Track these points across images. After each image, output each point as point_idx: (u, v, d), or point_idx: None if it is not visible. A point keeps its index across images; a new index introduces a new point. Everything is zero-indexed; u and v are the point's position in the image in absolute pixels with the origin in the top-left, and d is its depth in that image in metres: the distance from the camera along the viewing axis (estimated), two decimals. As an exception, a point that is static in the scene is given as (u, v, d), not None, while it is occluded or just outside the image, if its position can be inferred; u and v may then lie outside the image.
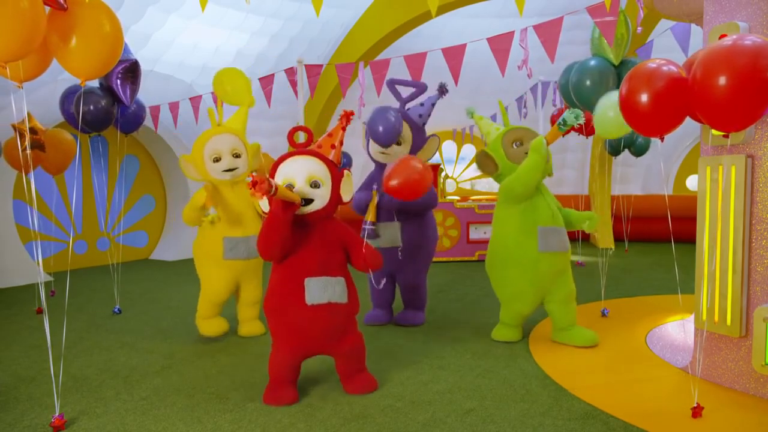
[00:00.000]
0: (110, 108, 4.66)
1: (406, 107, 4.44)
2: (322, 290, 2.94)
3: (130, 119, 5.06)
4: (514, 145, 3.93)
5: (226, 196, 4.15)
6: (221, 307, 4.32)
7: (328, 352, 3.11)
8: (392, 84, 4.46)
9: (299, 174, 2.96)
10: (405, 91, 4.45)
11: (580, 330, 3.85)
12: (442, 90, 4.31)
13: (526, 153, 3.80)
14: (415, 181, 3.07)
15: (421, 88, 4.40)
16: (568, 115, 3.44)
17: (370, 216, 4.16)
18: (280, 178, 2.98)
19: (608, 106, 3.60)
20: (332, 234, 3.08)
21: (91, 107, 4.58)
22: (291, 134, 3.46)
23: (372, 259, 3.10)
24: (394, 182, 3.07)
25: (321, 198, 2.99)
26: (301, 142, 3.36)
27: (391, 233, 4.29)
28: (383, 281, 4.36)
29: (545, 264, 3.74)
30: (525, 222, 3.77)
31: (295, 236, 2.96)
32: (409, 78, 4.91)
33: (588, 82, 4.19)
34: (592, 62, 4.22)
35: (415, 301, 4.60)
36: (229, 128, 4.21)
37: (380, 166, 4.37)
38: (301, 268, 2.96)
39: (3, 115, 5.89)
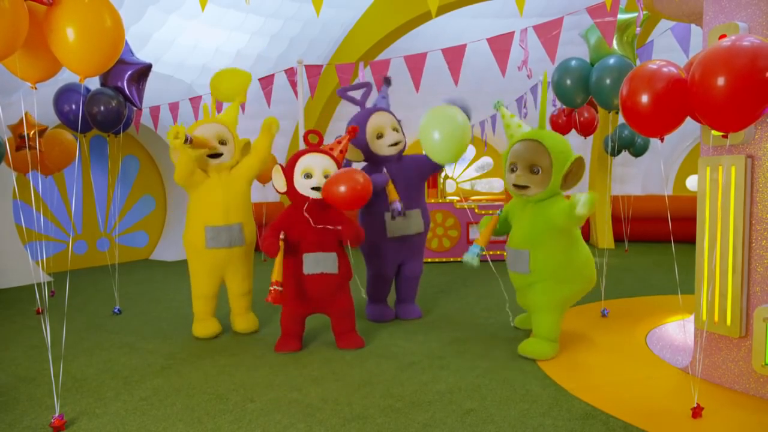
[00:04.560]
0: (121, 108, 4.66)
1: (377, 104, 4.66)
2: (315, 264, 3.73)
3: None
4: (509, 169, 3.70)
5: (209, 182, 4.17)
6: (212, 302, 4.32)
7: (324, 311, 3.94)
8: (343, 93, 4.67)
9: (317, 167, 3.76)
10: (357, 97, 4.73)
11: (532, 341, 3.69)
12: (387, 81, 4.70)
13: (513, 185, 3.65)
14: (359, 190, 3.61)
15: (369, 87, 4.70)
16: (469, 258, 3.77)
17: (394, 195, 4.36)
18: (302, 167, 3.76)
19: (431, 125, 3.93)
20: (331, 220, 3.80)
21: (102, 108, 4.59)
22: (306, 136, 3.96)
23: (354, 233, 3.78)
24: (341, 189, 3.56)
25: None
26: (315, 143, 3.95)
27: (415, 220, 4.49)
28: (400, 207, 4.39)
29: (511, 278, 3.89)
30: None
31: (300, 222, 3.75)
32: (408, 78, 4.97)
33: (608, 81, 4.27)
34: (612, 61, 4.27)
35: (412, 292, 4.77)
36: (218, 119, 4.28)
37: (377, 165, 4.50)
38: (301, 246, 3.76)
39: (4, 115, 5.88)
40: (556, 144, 3.54)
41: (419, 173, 4.57)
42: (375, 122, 4.37)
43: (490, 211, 7.68)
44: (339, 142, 4.00)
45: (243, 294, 4.36)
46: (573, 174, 3.55)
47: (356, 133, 4.02)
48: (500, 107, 3.94)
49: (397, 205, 4.29)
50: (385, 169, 4.42)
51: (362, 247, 4.63)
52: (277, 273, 3.58)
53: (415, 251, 4.66)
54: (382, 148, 4.41)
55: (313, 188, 3.74)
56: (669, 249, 8.36)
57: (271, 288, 3.53)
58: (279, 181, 3.82)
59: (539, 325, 3.70)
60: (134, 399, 3.10)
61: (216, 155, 4.16)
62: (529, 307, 3.85)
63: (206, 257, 4.16)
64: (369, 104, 4.68)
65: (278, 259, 3.62)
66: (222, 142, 4.17)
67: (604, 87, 4.31)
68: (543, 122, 3.71)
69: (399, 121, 4.54)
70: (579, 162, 3.53)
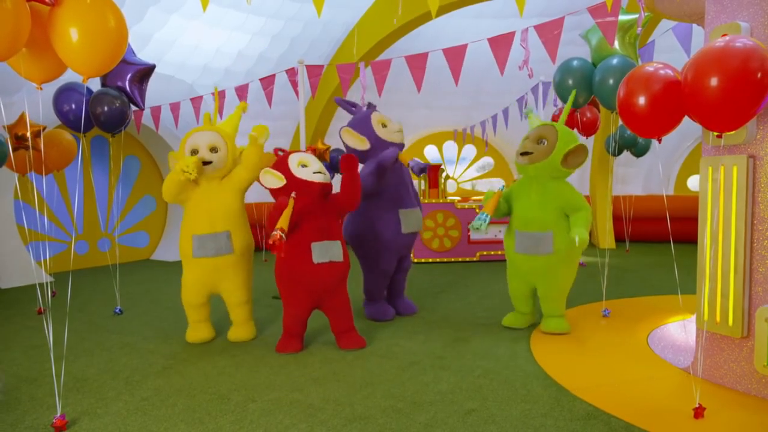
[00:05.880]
0: (125, 109, 4.65)
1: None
2: (324, 252, 3.75)
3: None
4: (522, 143, 4.13)
5: (199, 190, 4.07)
6: (202, 310, 4.21)
7: (324, 306, 3.91)
8: (342, 102, 4.97)
9: (310, 159, 3.91)
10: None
11: (553, 319, 4.15)
12: (371, 106, 4.93)
13: (520, 154, 4.09)
14: None
15: (359, 107, 4.99)
16: (477, 224, 3.97)
17: (409, 157, 4.61)
18: (296, 159, 3.85)
19: None
20: (331, 207, 3.91)
21: (106, 108, 4.58)
22: (276, 151, 4.13)
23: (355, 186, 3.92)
24: None
25: (326, 175, 3.88)
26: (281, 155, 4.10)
27: (417, 219, 4.71)
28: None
29: (522, 263, 4.16)
30: (510, 225, 4.27)
31: (306, 209, 3.74)
32: (409, 78, 5.01)
33: (611, 81, 4.30)
34: (615, 61, 4.29)
35: (403, 285, 4.96)
36: (213, 127, 4.18)
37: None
38: (307, 235, 3.75)
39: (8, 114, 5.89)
40: (565, 128, 4.01)
41: (410, 181, 4.89)
42: (377, 116, 4.70)
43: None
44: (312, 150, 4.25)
45: (238, 304, 4.20)
46: (574, 154, 3.92)
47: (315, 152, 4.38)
48: (530, 115, 4.33)
49: (412, 162, 4.55)
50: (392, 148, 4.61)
51: (367, 246, 4.63)
52: (283, 221, 3.53)
53: (412, 246, 4.99)
54: (390, 134, 4.64)
55: (315, 172, 3.81)
56: (670, 249, 8.35)
57: (275, 233, 3.44)
58: (271, 179, 3.79)
59: (558, 305, 4.14)
60: (135, 399, 3.10)
61: (206, 162, 4.02)
62: (547, 290, 4.12)
63: (195, 266, 4.06)
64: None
65: (287, 211, 3.60)
66: (213, 150, 4.04)
67: (607, 87, 4.33)
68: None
69: None
70: (582, 147, 3.92)
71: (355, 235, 4.63)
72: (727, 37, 2.34)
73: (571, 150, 3.89)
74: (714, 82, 2.25)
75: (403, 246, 4.71)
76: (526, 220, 4.05)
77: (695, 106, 2.35)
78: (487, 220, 3.98)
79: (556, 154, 3.91)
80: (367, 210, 4.59)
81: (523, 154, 4.04)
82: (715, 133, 2.50)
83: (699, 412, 2.67)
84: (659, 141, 2.60)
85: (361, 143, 4.57)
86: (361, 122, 4.64)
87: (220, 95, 6.27)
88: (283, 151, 4.07)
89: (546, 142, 3.96)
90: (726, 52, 2.26)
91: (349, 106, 4.88)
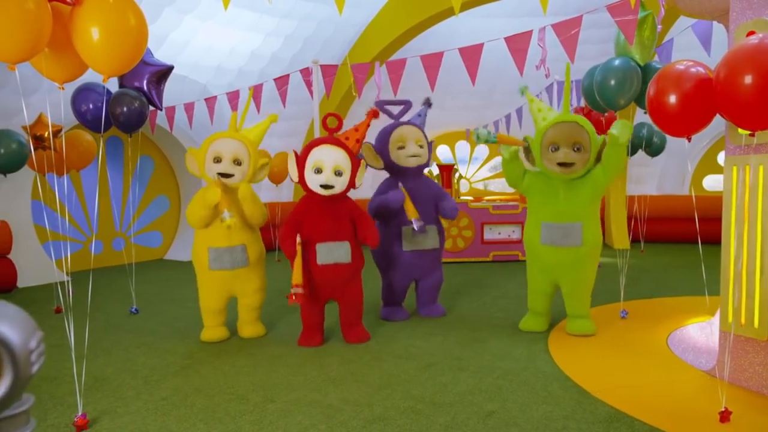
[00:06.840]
0: (144, 109, 4.66)
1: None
2: (328, 253, 3.79)
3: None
4: (550, 149, 3.79)
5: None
6: (221, 315, 4.24)
7: (336, 297, 4.01)
8: (381, 105, 4.71)
9: (327, 162, 3.73)
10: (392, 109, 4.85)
11: (578, 320, 4.06)
12: (428, 103, 4.80)
13: (558, 164, 3.77)
14: None
15: (408, 105, 4.78)
16: (482, 132, 3.79)
17: (414, 214, 4.22)
18: (312, 161, 3.74)
19: None
20: (344, 210, 3.90)
21: (125, 108, 4.61)
22: (325, 119, 4.01)
23: (375, 235, 3.93)
24: None
25: (341, 185, 3.78)
26: (333, 127, 3.97)
27: (432, 236, 4.56)
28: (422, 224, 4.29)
29: (547, 255, 4.01)
30: (532, 217, 4.10)
31: (312, 212, 3.82)
32: (423, 78, 4.97)
33: (612, 82, 4.25)
34: (617, 62, 4.25)
35: (433, 298, 4.79)
36: (241, 136, 4.02)
37: (397, 177, 4.56)
38: (314, 236, 3.80)
39: (21, 116, 5.93)
40: (588, 124, 3.84)
41: (432, 196, 4.61)
42: (399, 133, 4.50)
43: (505, 211, 7.64)
44: (356, 129, 4.01)
45: (252, 308, 4.25)
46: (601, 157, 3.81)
47: (378, 115, 4.11)
48: (526, 92, 4.09)
49: (416, 223, 4.17)
50: (400, 184, 4.39)
51: (377, 257, 4.63)
52: (296, 276, 3.68)
53: (432, 265, 4.66)
54: (401, 158, 4.49)
55: (322, 185, 3.75)
56: (685, 249, 8.27)
57: (292, 291, 3.65)
58: (293, 169, 3.84)
59: (583, 305, 4.05)
60: (154, 399, 3.11)
61: (227, 175, 3.95)
62: (572, 287, 4.02)
63: (211, 276, 4.08)
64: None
65: (297, 262, 3.71)
66: (237, 162, 3.95)
67: (608, 87, 4.28)
68: (567, 110, 3.91)
69: (428, 140, 4.65)
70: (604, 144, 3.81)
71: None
72: (760, 35, 2.29)
73: (600, 149, 3.82)
74: (748, 79, 2.21)
75: (411, 264, 4.53)
76: (555, 212, 3.91)
77: (727, 104, 2.32)
78: (493, 139, 3.75)
79: (591, 158, 3.81)
80: (378, 225, 4.46)
81: (564, 165, 3.75)
82: (747, 132, 2.45)
83: (725, 416, 2.62)
84: (689, 140, 2.56)
85: (377, 162, 4.55)
86: (381, 139, 4.56)
87: (235, 95, 6.28)
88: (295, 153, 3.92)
89: (581, 148, 3.76)
90: (760, 49, 2.22)
91: (390, 113, 4.71)
